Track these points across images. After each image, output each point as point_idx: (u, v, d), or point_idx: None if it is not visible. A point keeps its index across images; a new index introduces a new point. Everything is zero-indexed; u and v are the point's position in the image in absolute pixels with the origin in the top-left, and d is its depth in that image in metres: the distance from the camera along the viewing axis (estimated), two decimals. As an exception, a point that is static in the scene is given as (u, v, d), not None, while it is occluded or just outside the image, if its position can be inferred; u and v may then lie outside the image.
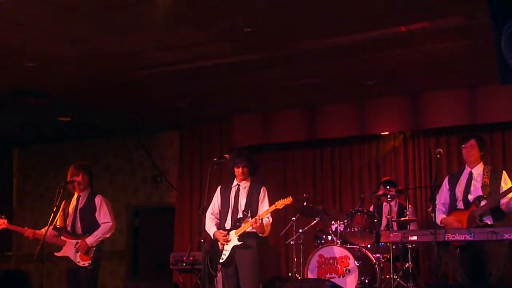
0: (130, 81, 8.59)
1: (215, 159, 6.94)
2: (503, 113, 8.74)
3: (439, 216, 6.37)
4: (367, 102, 9.66)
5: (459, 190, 6.41)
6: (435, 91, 9.14)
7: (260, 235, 6.63)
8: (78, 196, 7.42)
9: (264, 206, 6.70)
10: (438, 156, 6.36)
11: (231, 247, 6.64)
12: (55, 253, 7.30)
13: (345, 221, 8.06)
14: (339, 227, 8.01)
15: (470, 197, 6.31)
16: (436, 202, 6.40)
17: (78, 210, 7.35)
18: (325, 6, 6.22)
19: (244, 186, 6.81)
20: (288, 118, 10.20)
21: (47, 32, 6.79)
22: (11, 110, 10.01)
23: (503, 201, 6.16)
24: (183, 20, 6.56)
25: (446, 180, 6.62)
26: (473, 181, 6.37)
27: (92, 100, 9.59)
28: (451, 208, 6.43)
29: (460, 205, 6.36)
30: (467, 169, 6.47)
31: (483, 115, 8.88)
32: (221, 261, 6.67)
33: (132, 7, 6.19)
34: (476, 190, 6.31)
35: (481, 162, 6.46)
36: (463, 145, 6.50)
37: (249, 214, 6.66)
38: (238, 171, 6.76)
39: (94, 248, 7.21)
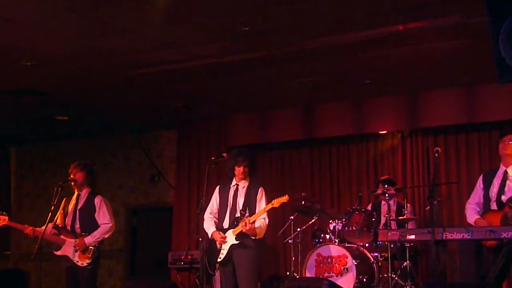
0: (127, 80, 8.58)
1: (213, 158, 6.93)
2: (501, 111, 8.73)
3: (473, 216, 6.27)
4: (365, 101, 9.65)
5: (493, 190, 6.24)
6: (433, 89, 9.14)
7: (253, 237, 6.63)
8: (78, 195, 7.43)
9: (261, 206, 6.70)
10: (436, 155, 6.30)
11: (228, 246, 6.64)
12: (55, 252, 7.31)
13: (343, 220, 8.07)
14: (337, 226, 8.02)
15: (504, 198, 6.13)
16: (470, 202, 6.38)
17: (77, 210, 7.35)
18: (322, 5, 6.22)
19: (243, 185, 6.81)
20: (285, 117, 10.20)
21: (45, 31, 6.79)
22: (8, 109, 10.00)
23: None
24: (181, 19, 6.56)
25: (480, 179, 6.46)
26: (507, 181, 6.19)
27: (89, 99, 9.59)
28: (485, 209, 6.27)
29: (494, 206, 6.19)
30: (502, 168, 6.30)
31: (481, 114, 8.88)
32: (219, 260, 6.67)
33: (130, 6, 6.18)
34: (510, 190, 6.15)
35: None
36: (501, 139, 6.36)
37: (246, 214, 6.66)
38: (239, 170, 6.76)
39: (93, 248, 7.21)
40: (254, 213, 6.65)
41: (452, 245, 6.52)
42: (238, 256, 6.62)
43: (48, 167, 12.41)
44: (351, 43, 7.22)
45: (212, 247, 6.74)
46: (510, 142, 6.29)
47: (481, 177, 6.53)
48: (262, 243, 6.97)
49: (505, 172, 6.27)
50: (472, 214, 6.30)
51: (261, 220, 6.63)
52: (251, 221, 6.51)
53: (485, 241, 5.95)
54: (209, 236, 6.79)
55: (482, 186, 6.38)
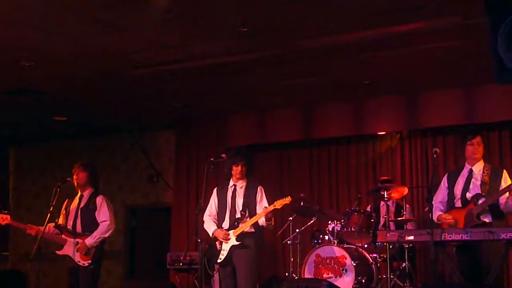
0: (126, 80, 8.58)
1: (212, 159, 6.94)
2: (500, 112, 8.73)
3: (436, 213, 6.34)
4: (364, 102, 9.64)
5: (458, 188, 6.33)
6: (432, 90, 9.14)
7: (268, 222, 6.64)
8: (81, 196, 7.46)
9: (263, 205, 6.70)
10: (435, 155, 6.31)
11: (229, 247, 6.64)
12: (57, 252, 7.34)
13: (342, 220, 8.07)
14: (336, 227, 8.02)
15: (468, 195, 6.22)
16: (434, 200, 6.40)
17: (79, 209, 7.38)
18: (321, 5, 6.21)
19: (241, 186, 6.81)
20: (284, 118, 10.19)
21: (44, 31, 6.78)
22: (7, 109, 9.99)
23: (502, 200, 6.11)
24: (179, 19, 6.55)
25: (445, 178, 6.54)
26: (472, 179, 6.27)
27: (88, 99, 9.58)
28: (449, 207, 6.37)
29: (458, 203, 6.29)
30: (467, 167, 6.37)
31: (480, 115, 8.86)
32: (218, 261, 6.68)
33: (128, 6, 6.18)
34: (475, 188, 6.23)
35: (482, 160, 6.39)
36: (470, 142, 6.40)
37: (247, 214, 6.66)
38: (237, 169, 6.77)
39: (94, 248, 7.22)
40: (255, 213, 6.65)
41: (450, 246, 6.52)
42: (238, 257, 6.62)
43: (46, 167, 12.40)
44: (350, 43, 7.21)
45: (211, 247, 6.75)
46: (479, 145, 6.35)
47: (445, 175, 6.59)
48: (262, 243, 6.97)
49: (471, 170, 6.34)
50: (435, 212, 6.33)
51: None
52: (269, 210, 6.53)
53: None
54: (210, 235, 6.79)
55: (446, 185, 6.45)
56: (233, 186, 6.82)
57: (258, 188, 6.82)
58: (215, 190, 6.99)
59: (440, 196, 6.48)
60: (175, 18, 6.52)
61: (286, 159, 10.55)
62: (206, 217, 6.86)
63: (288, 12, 6.37)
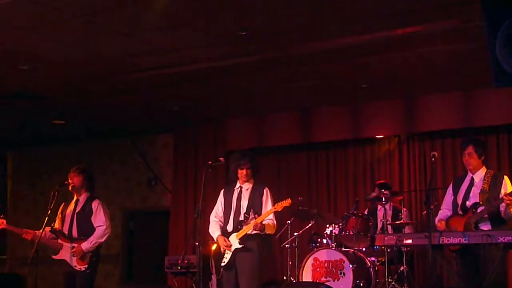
0: (124, 84, 8.57)
1: (210, 163, 6.92)
2: (497, 116, 8.75)
3: (437, 219, 6.36)
4: (362, 106, 9.66)
5: (460, 196, 6.35)
6: (430, 94, 9.15)
7: (261, 233, 6.61)
8: (77, 200, 7.41)
9: (268, 207, 6.67)
10: (433, 159, 6.30)
11: (232, 250, 6.62)
12: (53, 256, 7.29)
13: (340, 224, 8.06)
14: (334, 231, 8.01)
15: (468, 204, 6.25)
16: (442, 207, 6.44)
17: (75, 214, 7.33)
18: (320, 10, 6.22)
19: (247, 188, 6.76)
20: (282, 121, 10.20)
21: (42, 35, 6.78)
22: (5, 113, 9.98)
23: (502, 208, 6.08)
24: (178, 23, 6.56)
25: (450, 186, 6.55)
26: (473, 188, 6.28)
27: (86, 103, 9.58)
28: (454, 213, 6.39)
29: (460, 211, 6.32)
30: (469, 175, 6.37)
31: (478, 118, 8.88)
32: (222, 264, 6.63)
33: (127, 10, 6.18)
34: (474, 196, 6.23)
35: (483, 167, 6.36)
36: (462, 152, 6.43)
37: (251, 216, 6.61)
38: (242, 172, 6.72)
39: (90, 253, 7.20)
40: (260, 214, 6.62)
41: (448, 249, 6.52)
42: (240, 260, 6.57)
43: (45, 171, 12.39)
44: (348, 47, 7.23)
45: (217, 250, 6.71)
46: (470, 156, 6.31)
47: (451, 183, 6.60)
48: (267, 246, 6.91)
49: (472, 178, 6.35)
50: (438, 217, 6.39)
51: (268, 220, 6.63)
52: (259, 221, 6.51)
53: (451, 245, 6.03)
54: (215, 240, 6.77)
55: (451, 192, 6.46)
56: (239, 188, 6.78)
57: (265, 190, 6.77)
58: (222, 191, 6.93)
59: (445, 204, 6.49)
60: (173, 22, 6.52)
61: (284, 163, 10.56)
62: (212, 219, 6.80)
63: (286, 17, 6.38)
